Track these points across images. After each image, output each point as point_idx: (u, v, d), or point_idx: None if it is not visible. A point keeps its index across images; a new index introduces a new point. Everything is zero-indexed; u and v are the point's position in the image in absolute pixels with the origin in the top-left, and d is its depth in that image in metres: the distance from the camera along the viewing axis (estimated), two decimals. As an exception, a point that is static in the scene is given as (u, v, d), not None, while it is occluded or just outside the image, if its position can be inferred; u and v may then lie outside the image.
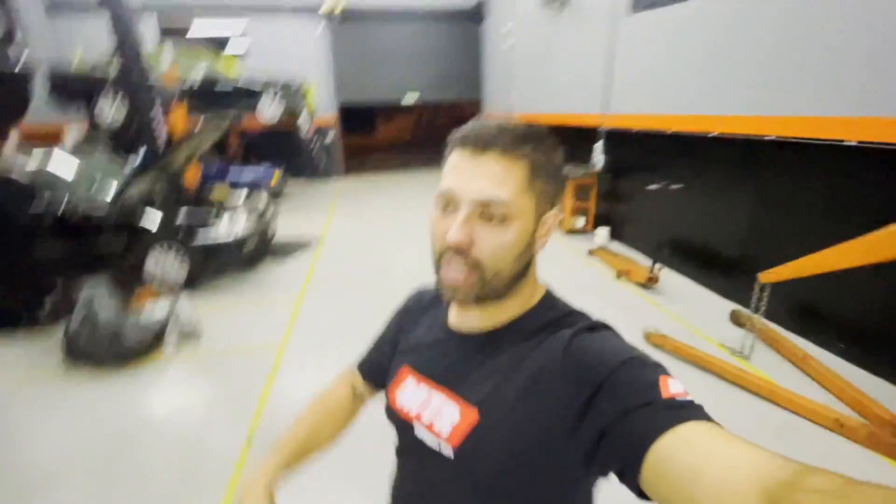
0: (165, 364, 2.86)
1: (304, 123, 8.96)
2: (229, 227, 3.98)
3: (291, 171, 9.30)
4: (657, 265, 3.77)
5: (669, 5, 4.00)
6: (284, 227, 5.80)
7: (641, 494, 0.41)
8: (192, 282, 3.86)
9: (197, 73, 7.02)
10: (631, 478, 0.41)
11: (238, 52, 8.67)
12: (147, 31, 7.66)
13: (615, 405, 0.44)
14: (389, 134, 20.58)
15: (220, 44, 8.61)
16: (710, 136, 3.59)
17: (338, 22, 9.05)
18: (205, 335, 3.16)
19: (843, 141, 2.59)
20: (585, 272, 4.30)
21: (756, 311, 2.65)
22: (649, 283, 3.76)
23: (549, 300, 0.61)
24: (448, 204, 0.55)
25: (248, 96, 7.04)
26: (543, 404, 0.50)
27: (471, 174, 0.53)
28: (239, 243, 3.98)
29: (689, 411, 0.41)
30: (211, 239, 3.88)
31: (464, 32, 9.90)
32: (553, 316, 0.58)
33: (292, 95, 7.73)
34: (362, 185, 9.51)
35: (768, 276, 2.51)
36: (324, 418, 0.80)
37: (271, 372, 2.73)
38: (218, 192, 5.38)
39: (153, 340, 2.91)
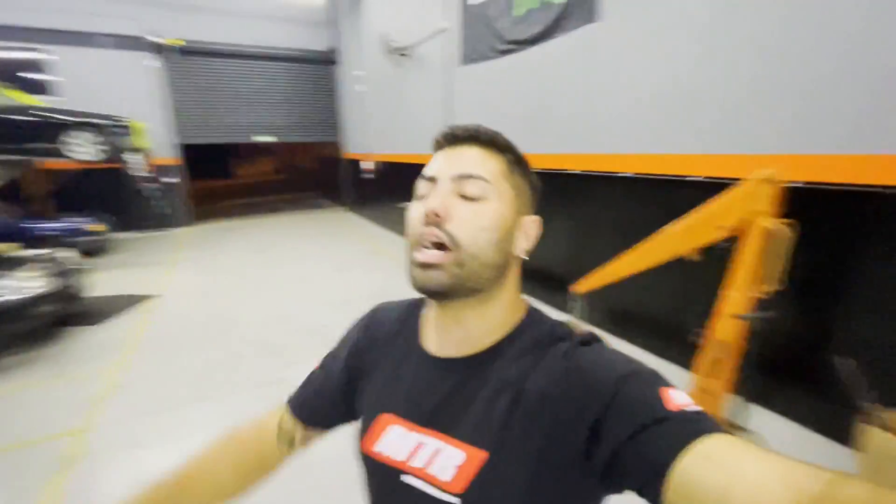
0: None
1: (135, 165, 7.91)
2: (12, 285, 3.20)
3: (124, 222, 8.04)
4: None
5: (487, 61, 4.58)
6: (108, 286, 4.94)
7: None
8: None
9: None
10: (652, 496, 0.40)
11: (43, 81, 7.40)
12: None
13: (626, 424, 0.42)
14: (248, 176, 19.35)
15: (15, 72, 7.26)
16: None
17: (177, 56, 8.32)
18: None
19: (627, 174, 3.18)
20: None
21: (580, 316, 3.03)
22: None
23: (534, 314, 0.58)
24: (425, 192, 0.54)
25: (52, 131, 5.81)
26: (552, 430, 0.47)
27: (450, 160, 0.54)
28: (25, 304, 3.20)
29: (701, 424, 0.40)
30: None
31: (319, 75, 9.90)
32: (542, 330, 0.54)
33: (116, 132, 6.77)
34: (214, 233, 8.60)
35: (578, 286, 2.90)
36: (218, 465, 0.64)
37: (60, 469, 2.20)
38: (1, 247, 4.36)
39: None
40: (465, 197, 0.51)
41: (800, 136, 2.21)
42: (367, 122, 8.36)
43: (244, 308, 4.40)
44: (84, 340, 3.71)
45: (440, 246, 0.50)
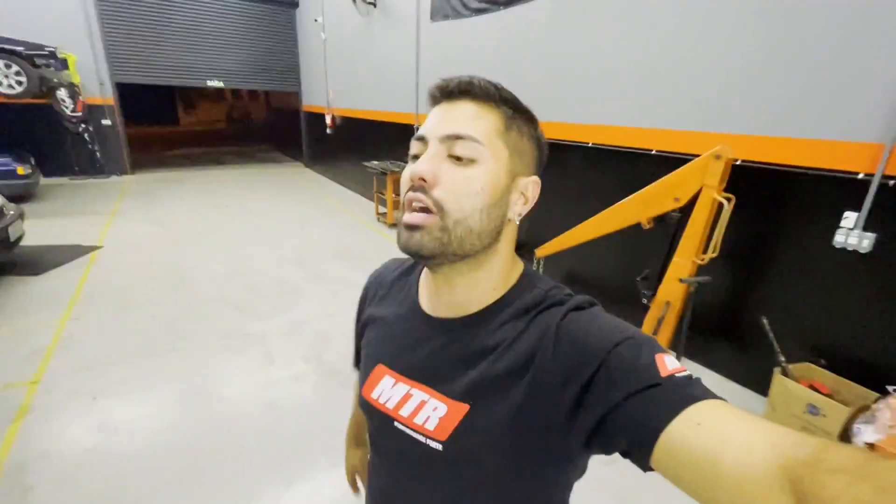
0: None
1: (66, 101, 7.14)
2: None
3: (49, 167, 7.32)
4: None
5: (459, 19, 4.47)
6: (44, 235, 4.57)
7: (649, 469, 0.41)
8: None
9: None
10: (639, 459, 0.41)
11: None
12: None
13: (615, 390, 0.42)
14: (194, 125, 17.98)
15: None
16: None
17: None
18: None
19: (586, 143, 3.31)
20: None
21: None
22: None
23: (529, 278, 0.57)
24: (418, 151, 0.52)
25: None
26: (539, 389, 0.47)
27: (443, 118, 0.51)
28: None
29: (692, 390, 0.41)
30: None
31: (278, 17, 9.14)
32: (536, 295, 0.53)
33: (42, 61, 6.04)
34: (157, 183, 8.04)
35: (541, 251, 3.06)
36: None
37: (15, 417, 2.14)
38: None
39: None
40: (455, 158, 0.49)
41: (742, 119, 2.40)
42: (330, 74, 7.95)
43: (197, 263, 4.25)
44: (25, 291, 3.47)
45: (426, 210, 0.49)
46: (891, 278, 2.00)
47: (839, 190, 2.08)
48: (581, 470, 0.56)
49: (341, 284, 3.91)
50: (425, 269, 0.60)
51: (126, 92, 8.24)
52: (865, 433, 1.88)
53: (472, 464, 0.51)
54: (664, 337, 2.45)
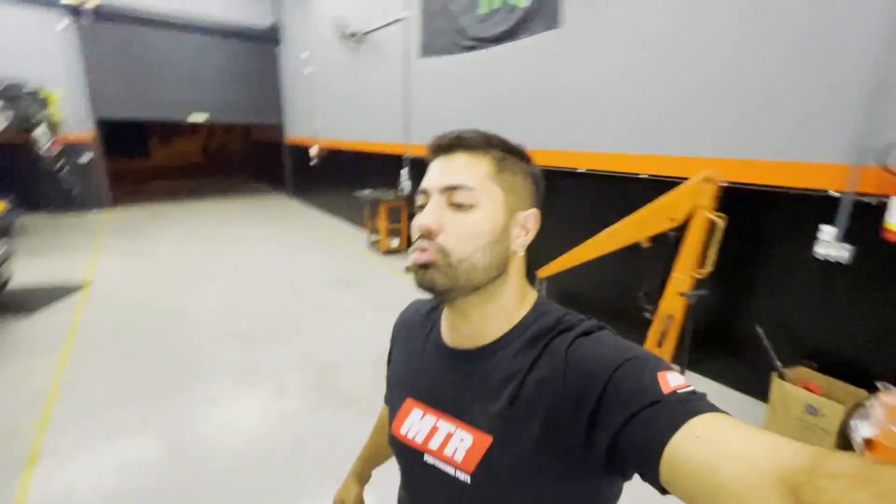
0: None
1: (42, 138, 7.01)
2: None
3: (27, 203, 7.11)
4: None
5: (449, 55, 4.72)
6: (26, 274, 4.44)
7: (665, 491, 0.41)
8: None
9: None
10: (650, 477, 0.41)
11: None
12: None
13: (621, 411, 0.44)
14: (170, 157, 17.74)
15: None
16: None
17: (90, 19, 7.40)
18: None
19: (576, 169, 3.52)
20: (404, 286, 4.59)
21: (539, 301, 3.34)
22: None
23: (541, 306, 0.60)
24: (423, 203, 0.57)
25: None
26: (555, 416, 0.49)
27: (440, 171, 0.57)
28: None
29: (693, 404, 0.42)
30: None
31: (260, 53, 9.32)
32: (548, 321, 0.56)
33: (23, 101, 5.97)
34: (139, 217, 7.90)
35: (544, 271, 3.19)
36: (377, 438, 0.90)
37: (28, 463, 2.07)
38: None
39: None
40: (455, 205, 0.54)
41: (727, 144, 2.64)
42: (316, 107, 8.11)
43: (193, 297, 4.19)
44: (17, 333, 3.36)
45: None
46: (869, 285, 2.21)
47: (816, 206, 2.30)
48: (614, 498, 0.58)
49: (342, 313, 3.93)
50: (446, 306, 0.64)
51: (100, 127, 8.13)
52: (862, 429, 2.03)
53: (496, 495, 0.53)
54: (668, 349, 2.59)
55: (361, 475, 0.92)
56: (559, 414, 0.49)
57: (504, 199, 0.56)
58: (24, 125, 6.51)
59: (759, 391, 2.56)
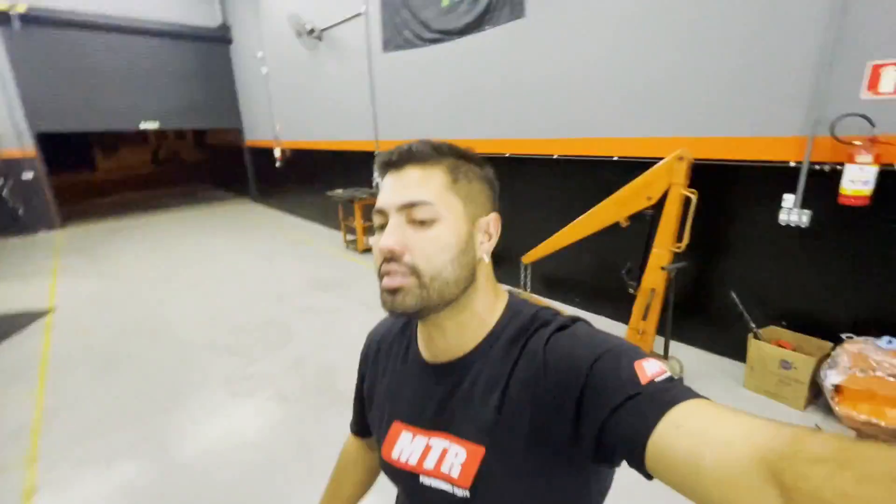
0: None
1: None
2: None
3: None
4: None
5: (413, 48, 4.71)
6: (-21, 304, 4.13)
7: (651, 477, 0.42)
8: None
9: None
10: (638, 468, 0.42)
11: None
12: None
13: (603, 404, 0.44)
14: (117, 169, 16.79)
15: None
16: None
17: (17, 26, 6.84)
18: None
19: (552, 155, 3.62)
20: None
21: (524, 287, 3.44)
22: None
23: (514, 306, 0.60)
24: (382, 222, 0.56)
25: None
26: (537, 418, 0.50)
27: (394, 188, 0.55)
28: None
29: (672, 393, 0.42)
30: None
31: (211, 54, 8.90)
32: (523, 320, 0.57)
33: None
34: (93, 235, 7.45)
35: (527, 257, 3.28)
36: (341, 477, 0.87)
37: (24, 500, 1.96)
38: None
39: None
40: (416, 222, 0.53)
41: (695, 123, 2.80)
42: (275, 108, 7.88)
43: (169, 313, 4.04)
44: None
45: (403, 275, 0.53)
46: (828, 246, 2.41)
47: (778, 177, 2.49)
48: (604, 491, 0.58)
49: (331, 314, 3.90)
50: (419, 322, 0.63)
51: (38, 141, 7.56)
52: (831, 376, 2.24)
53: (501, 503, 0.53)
54: (652, 321, 2.74)
55: (335, 494, 0.86)
56: (545, 412, 0.49)
57: (463, 208, 0.55)
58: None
59: (737, 353, 2.76)
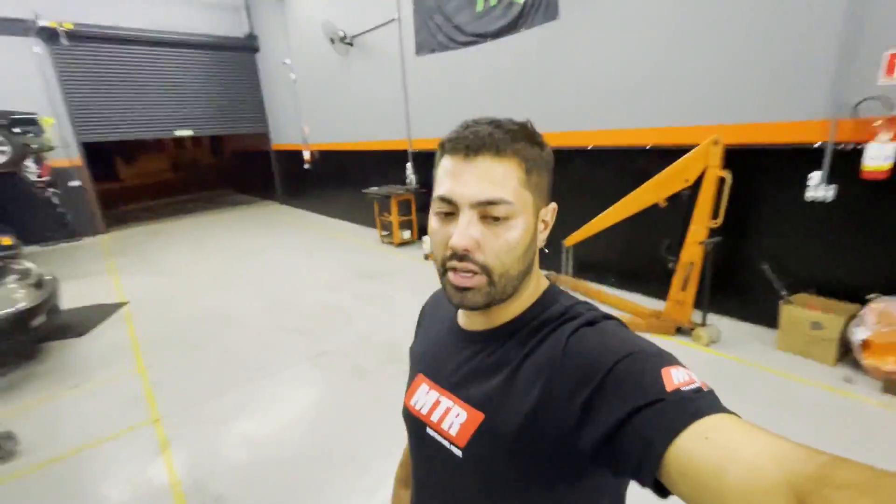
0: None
1: (31, 166, 6.91)
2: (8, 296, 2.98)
3: (20, 235, 6.98)
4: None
5: (446, 51, 5.01)
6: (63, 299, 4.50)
7: (657, 489, 0.41)
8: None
9: None
10: (647, 477, 0.41)
11: None
12: None
13: (620, 404, 0.43)
14: (140, 176, 17.28)
15: None
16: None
17: (67, 42, 7.26)
18: (23, 444, 2.36)
19: (586, 147, 3.91)
20: (429, 270, 4.89)
21: (566, 270, 3.73)
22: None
23: (552, 294, 0.61)
24: (447, 210, 0.54)
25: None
26: (547, 401, 0.50)
27: (467, 177, 0.52)
28: (23, 317, 3.01)
29: (698, 403, 0.41)
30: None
31: (239, 62, 9.31)
32: (555, 311, 0.57)
33: (23, 130, 5.91)
34: (137, 238, 7.86)
35: (570, 240, 3.57)
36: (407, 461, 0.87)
37: (161, 449, 2.30)
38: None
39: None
40: (489, 217, 0.52)
41: (727, 111, 3.07)
42: (304, 112, 8.23)
43: (231, 302, 4.38)
44: (79, 351, 3.50)
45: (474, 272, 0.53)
46: (852, 218, 2.68)
47: (803, 157, 2.76)
48: (610, 496, 0.57)
49: (381, 299, 4.21)
50: None
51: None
52: (858, 333, 2.50)
53: (485, 471, 0.55)
54: (690, 293, 3.01)
55: (406, 481, 0.86)
56: (552, 400, 0.49)
57: (533, 202, 0.55)
58: (26, 153, 6.44)
59: (768, 320, 3.03)
